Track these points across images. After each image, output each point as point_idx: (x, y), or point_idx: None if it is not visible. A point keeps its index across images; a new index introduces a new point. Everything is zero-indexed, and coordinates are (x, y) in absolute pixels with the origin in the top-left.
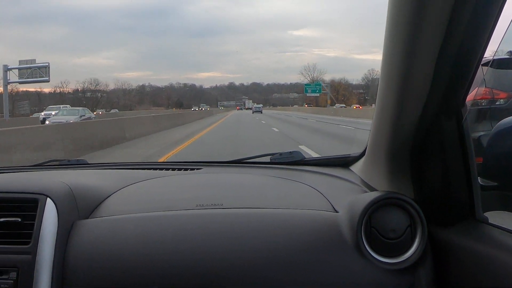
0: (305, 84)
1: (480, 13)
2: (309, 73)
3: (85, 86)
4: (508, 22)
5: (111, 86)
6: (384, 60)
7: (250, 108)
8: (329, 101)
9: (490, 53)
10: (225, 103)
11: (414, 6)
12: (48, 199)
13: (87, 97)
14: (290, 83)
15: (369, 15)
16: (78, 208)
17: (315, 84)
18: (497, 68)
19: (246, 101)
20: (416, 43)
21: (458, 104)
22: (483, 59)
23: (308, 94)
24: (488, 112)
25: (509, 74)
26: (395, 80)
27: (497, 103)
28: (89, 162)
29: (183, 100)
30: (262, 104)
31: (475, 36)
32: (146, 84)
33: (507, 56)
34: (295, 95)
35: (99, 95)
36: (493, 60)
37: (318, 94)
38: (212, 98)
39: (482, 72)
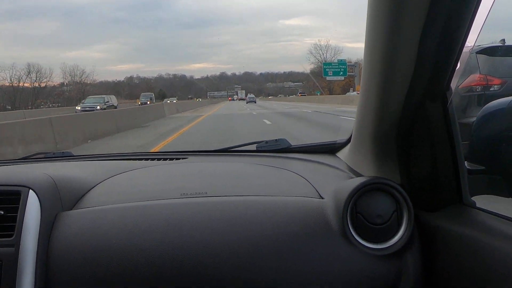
0: (324, 64)
1: None
2: (320, 52)
3: (71, 79)
4: (489, 7)
5: (99, 79)
6: (367, 46)
7: (244, 99)
8: (358, 87)
9: (477, 40)
10: (215, 93)
11: None
12: (30, 191)
13: (70, 90)
14: (284, 72)
15: (360, 3)
16: (61, 200)
17: (339, 63)
18: (491, 56)
19: (239, 92)
20: (398, 28)
21: (443, 88)
22: (477, 46)
23: (328, 78)
24: (483, 97)
25: (503, 61)
26: (379, 65)
27: (491, 89)
28: (74, 154)
29: (171, 91)
30: (255, 94)
31: (457, 20)
32: (135, 76)
33: (500, 44)
34: (290, 83)
35: (83, 88)
36: (487, 47)
37: (342, 78)
38: (202, 89)
39: (476, 59)
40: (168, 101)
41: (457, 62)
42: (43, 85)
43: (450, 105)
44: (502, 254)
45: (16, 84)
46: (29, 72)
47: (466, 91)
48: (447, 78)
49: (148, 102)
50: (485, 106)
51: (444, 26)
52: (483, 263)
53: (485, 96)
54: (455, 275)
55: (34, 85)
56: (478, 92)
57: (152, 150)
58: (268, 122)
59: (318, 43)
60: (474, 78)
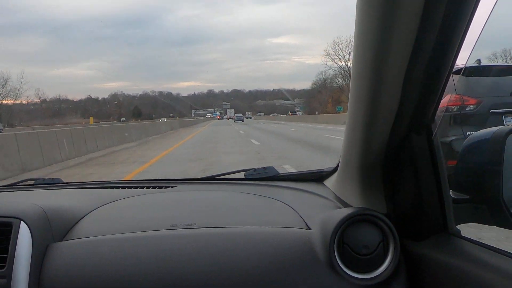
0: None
1: (446, 31)
2: (339, 53)
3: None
4: (473, 42)
5: (81, 96)
6: (353, 76)
7: (233, 118)
8: None
9: (460, 60)
10: (201, 111)
11: (381, 22)
12: (22, 222)
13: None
14: (273, 90)
15: (348, 22)
16: (52, 231)
17: None
18: (467, 76)
19: (228, 110)
20: (384, 60)
21: (428, 120)
22: (454, 66)
23: None
24: (459, 117)
25: (478, 81)
26: (365, 97)
27: (467, 109)
28: (64, 182)
29: (154, 109)
30: (245, 111)
31: (443, 53)
32: (119, 93)
33: (476, 64)
34: (281, 101)
35: (59, 106)
36: (464, 68)
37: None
38: (187, 106)
39: (452, 80)
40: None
41: (442, 95)
42: None
43: (434, 137)
44: (486, 284)
45: None
46: None
47: (442, 111)
48: (432, 110)
49: None
50: (471, 135)
51: (430, 60)
52: None
53: (461, 116)
54: None
55: None
56: (454, 112)
57: None
58: None
59: (337, 40)
60: (450, 98)
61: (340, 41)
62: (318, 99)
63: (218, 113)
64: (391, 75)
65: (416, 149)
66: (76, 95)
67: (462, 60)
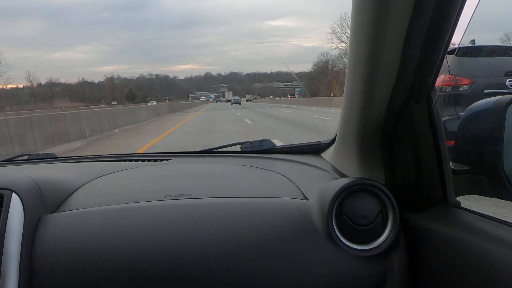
0: None
1: None
2: (347, 31)
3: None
4: (473, 8)
5: (76, 80)
6: (351, 46)
7: (230, 101)
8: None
9: (454, 41)
10: (197, 94)
11: None
12: (13, 194)
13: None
14: (271, 72)
15: (346, 4)
16: (44, 203)
17: None
18: (461, 56)
19: (226, 93)
20: (383, 28)
21: (427, 89)
22: (449, 46)
23: None
24: (453, 97)
25: (472, 62)
26: (363, 65)
27: (460, 89)
28: (58, 156)
29: (151, 92)
30: (242, 94)
31: (441, 21)
32: (115, 76)
33: (470, 45)
34: (280, 84)
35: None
36: (458, 48)
37: None
38: (184, 89)
39: (446, 60)
40: None
41: (442, 63)
42: None
43: (434, 105)
44: (487, 254)
45: None
46: None
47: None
48: (431, 78)
49: None
50: (470, 106)
51: (428, 27)
52: (468, 263)
53: (455, 96)
54: (441, 276)
55: None
56: (447, 92)
57: None
58: None
59: (343, 16)
60: (443, 78)
61: (348, 18)
62: (320, 81)
63: (212, 96)
64: (390, 41)
65: (415, 118)
66: (73, 79)
67: (459, 35)
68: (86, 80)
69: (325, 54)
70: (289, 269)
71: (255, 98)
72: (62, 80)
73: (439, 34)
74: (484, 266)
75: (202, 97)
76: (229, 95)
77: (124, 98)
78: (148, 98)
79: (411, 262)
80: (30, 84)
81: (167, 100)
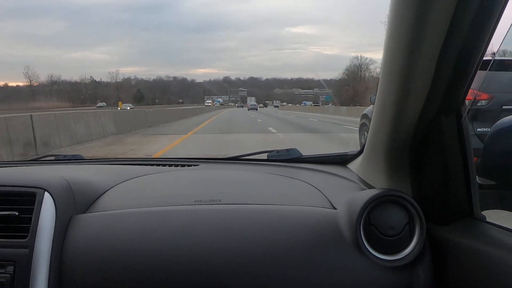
0: None
1: (482, 13)
2: None
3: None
4: (509, 24)
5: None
6: (385, 58)
7: (254, 108)
8: None
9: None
10: (214, 98)
11: (417, 5)
12: (46, 193)
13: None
14: (292, 78)
15: (367, 13)
16: (76, 203)
17: None
18: (480, 70)
19: (248, 98)
20: (418, 42)
21: (458, 103)
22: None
23: None
24: (470, 112)
25: (492, 76)
26: (396, 78)
27: (478, 104)
28: (85, 158)
29: (164, 95)
30: (263, 100)
31: (476, 35)
32: (132, 77)
33: (490, 58)
34: (300, 90)
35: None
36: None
37: None
38: (201, 92)
39: None
40: None
41: (474, 77)
42: None
43: (464, 119)
44: None
45: None
46: None
47: None
48: (462, 93)
49: None
50: (498, 121)
51: (463, 41)
52: (493, 277)
53: (473, 112)
54: None
55: None
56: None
57: None
58: None
59: None
60: None
61: None
62: (354, 88)
63: (220, 100)
64: (424, 55)
65: (444, 131)
66: (77, 78)
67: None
68: (94, 79)
69: (358, 58)
70: (317, 277)
71: (283, 105)
72: (64, 78)
73: (473, 48)
74: (510, 280)
75: (207, 101)
76: (251, 100)
77: (131, 99)
78: (156, 101)
79: (436, 274)
80: (28, 82)
81: (179, 103)
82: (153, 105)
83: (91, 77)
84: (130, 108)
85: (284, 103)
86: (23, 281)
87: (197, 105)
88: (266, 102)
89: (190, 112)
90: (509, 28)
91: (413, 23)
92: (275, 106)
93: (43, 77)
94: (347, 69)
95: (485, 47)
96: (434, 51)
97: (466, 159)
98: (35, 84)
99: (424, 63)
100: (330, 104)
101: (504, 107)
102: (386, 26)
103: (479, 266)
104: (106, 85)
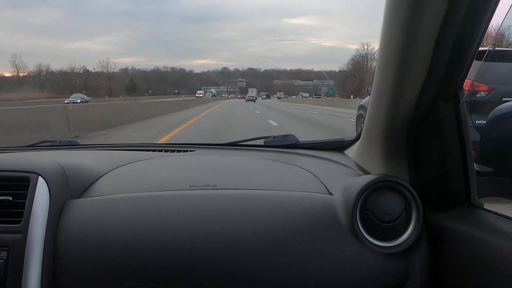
0: None
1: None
2: None
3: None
4: (506, 11)
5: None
6: (382, 44)
7: (253, 100)
8: None
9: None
10: (206, 89)
11: None
12: (40, 177)
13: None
14: (291, 70)
15: (366, 5)
16: (70, 188)
17: None
18: (479, 60)
19: (250, 89)
20: (415, 28)
21: (455, 89)
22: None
23: None
24: (468, 104)
25: (491, 67)
26: (393, 64)
27: (477, 95)
28: (81, 143)
29: (159, 86)
30: (263, 91)
31: (473, 21)
32: (130, 68)
33: (490, 48)
34: (300, 82)
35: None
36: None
37: None
38: (198, 83)
39: None
40: None
41: (471, 63)
42: None
43: (462, 105)
44: (509, 255)
45: None
46: None
47: None
48: (460, 78)
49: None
50: (496, 108)
51: (460, 27)
52: (490, 264)
53: (471, 103)
54: (462, 275)
55: None
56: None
57: None
58: None
59: None
60: None
61: None
62: (361, 79)
63: (213, 91)
64: (422, 40)
65: (442, 117)
66: (68, 67)
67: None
68: (87, 69)
69: (365, 48)
70: (312, 263)
71: (286, 97)
72: (56, 68)
73: (470, 35)
74: (506, 267)
75: (199, 92)
76: (252, 91)
77: (123, 90)
78: (149, 91)
79: (432, 260)
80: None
81: (175, 94)
82: (143, 96)
83: (84, 66)
84: (81, 101)
85: (286, 96)
86: (16, 266)
87: (186, 97)
88: (267, 93)
89: (171, 107)
90: (506, 16)
91: (410, 8)
92: (278, 98)
93: (31, 67)
94: (352, 59)
95: (482, 33)
96: (431, 35)
97: (464, 145)
98: (22, 74)
99: (420, 49)
100: (336, 96)
101: (504, 98)
102: (383, 14)
103: (476, 253)
104: (99, 75)
